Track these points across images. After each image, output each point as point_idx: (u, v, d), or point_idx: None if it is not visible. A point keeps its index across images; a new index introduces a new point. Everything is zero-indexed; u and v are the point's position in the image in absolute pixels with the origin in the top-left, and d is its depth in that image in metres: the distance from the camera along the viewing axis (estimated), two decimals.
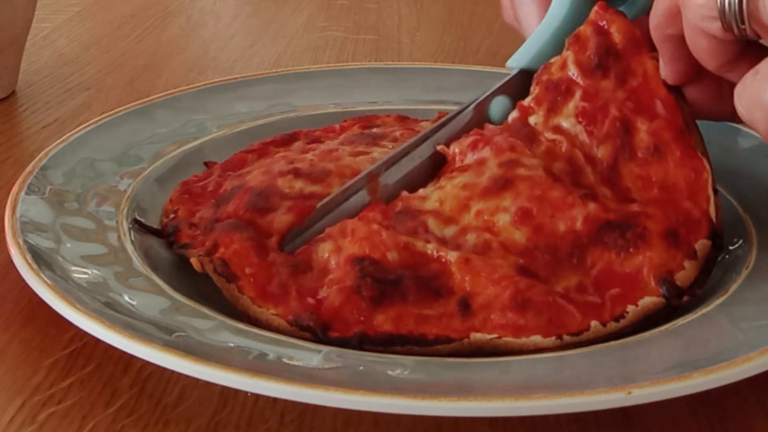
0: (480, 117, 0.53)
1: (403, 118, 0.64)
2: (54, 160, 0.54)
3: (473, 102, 0.54)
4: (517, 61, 0.55)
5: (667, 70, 0.49)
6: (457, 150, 0.51)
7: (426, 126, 0.62)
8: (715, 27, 0.42)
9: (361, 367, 0.40)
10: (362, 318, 0.42)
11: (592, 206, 0.46)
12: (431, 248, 0.45)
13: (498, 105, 0.54)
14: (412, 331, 0.42)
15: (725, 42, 0.43)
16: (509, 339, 0.42)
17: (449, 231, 0.47)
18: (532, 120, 0.51)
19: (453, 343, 0.42)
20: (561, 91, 0.51)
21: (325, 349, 0.41)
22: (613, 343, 0.42)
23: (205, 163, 0.59)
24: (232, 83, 0.68)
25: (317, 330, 0.42)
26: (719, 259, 0.48)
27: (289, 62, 0.86)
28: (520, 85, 0.53)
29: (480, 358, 0.41)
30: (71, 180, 0.53)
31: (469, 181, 0.49)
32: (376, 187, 0.50)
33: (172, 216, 0.52)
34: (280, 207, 0.49)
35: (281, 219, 0.49)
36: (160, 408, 0.40)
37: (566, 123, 0.50)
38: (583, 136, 0.50)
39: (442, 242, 0.46)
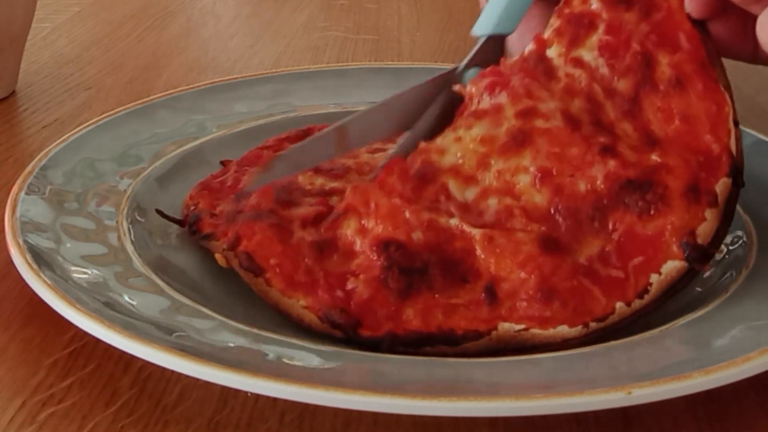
0: (455, 93, 0.52)
1: None
2: (54, 160, 0.54)
3: (445, 79, 0.52)
4: (482, 29, 0.53)
5: (692, 3, 0.48)
6: (474, 90, 0.51)
7: None
8: None
9: (361, 367, 0.40)
10: (391, 312, 0.42)
11: (611, 163, 0.46)
12: (455, 223, 0.45)
13: (472, 77, 0.52)
14: (441, 326, 0.42)
15: None
16: (536, 331, 0.42)
17: (470, 194, 0.47)
18: (550, 53, 0.51)
19: (482, 339, 0.42)
20: (584, 24, 0.50)
21: (325, 349, 0.41)
22: (613, 342, 0.42)
23: (222, 162, 0.59)
24: (232, 83, 0.68)
25: (348, 329, 0.42)
26: (719, 259, 0.48)
27: (289, 62, 0.86)
28: (489, 53, 0.53)
29: (480, 359, 0.41)
30: (71, 180, 0.53)
31: (487, 133, 0.48)
32: (344, 141, 0.50)
33: (192, 208, 0.52)
34: (303, 203, 0.50)
35: (306, 209, 0.49)
36: (160, 408, 0.40)
37: (588, 56, 0.50)
38: (604, 69, 0.49)
39: (465, 209, 0.46)
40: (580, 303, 0.42)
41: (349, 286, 0.44)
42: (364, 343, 0.42)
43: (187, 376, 0.39)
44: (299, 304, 0.43)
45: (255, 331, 0.42)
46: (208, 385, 0.39)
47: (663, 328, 0.43)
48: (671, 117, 0.47)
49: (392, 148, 0.53)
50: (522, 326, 0.42)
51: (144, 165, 0.57)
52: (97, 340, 0.40)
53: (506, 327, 0.42)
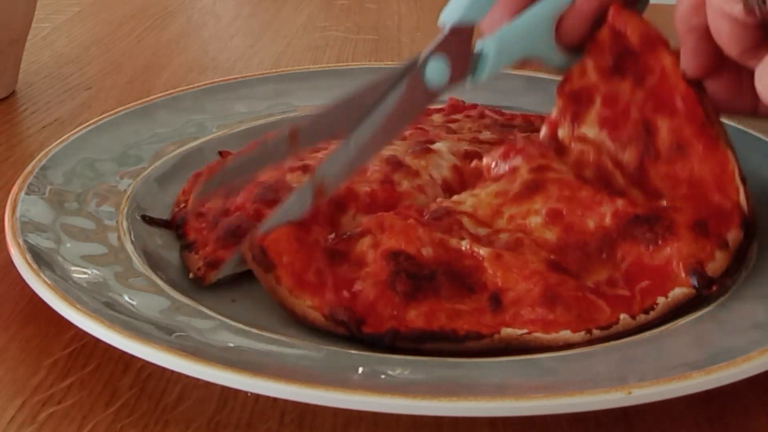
0: (417, 85, 0.49)
1: None
2: (54, 160, 0.54)
3: (406, 69, 0.49)
4: (449, 17, 0.50)
5: (688, 62, 0.48)
6: (489, 160, 0.52)
7: (437, 118, 0.63)
8: (738, 9, 0.43)
9: (362, 367, 0.40)
10: (395, 313, 0.43)
11: (620, 202, 0.46)
12: (465, 244, 0.45)
13: (435, 68, 0.49)
14: (444, 327, 0.42)
15: (747, 26, 0.44)
16: (539, 334, 0.42)
17: (483, 231, 0.47)
18: (560, 133, 0.52)
19: (484, 339, 0.42)
20: (582, 100, 0.51)
21: (326, 349, 0.41)
22: (613, 342, 0.42)
23: (220, 153, 0.59)
24: (232, 83, 0.68)
25: (351, 326, 0.42)
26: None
27: (289, 62, 0.86)
28: (455, 43, 0.49)
29: (480, 359, 0.41)
30: (71, 180, 0.53)
31: (502, 189, 0.49)
32: (296, 142, 0.48)
33: (182, 205, 0.53)
34: None
35: None
36: (160, 408, 0.40)
37: (591, 132, 0.51)
38: (609, 143, 0.51)
39: (476, 239, 0.47)
40: (585, 310, 0.42)
41: (356, 287, 0.44)
42: (366, 341, 0.42)
43: (187, 376, 0.39)
44: (305, 304, 0.44)
45: (255, 331, 0.42)
46: (208, 385, 0.39)
47: (663, 328, 0.43)
48: (678, 183, 0.48)
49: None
50: (525, 330, 0.42)
51: (144, 165, 0.57)
52: (97, 340, 0.40)
53: (509, 332, 0.42)
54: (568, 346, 0.42)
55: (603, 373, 0.40)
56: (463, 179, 0.54)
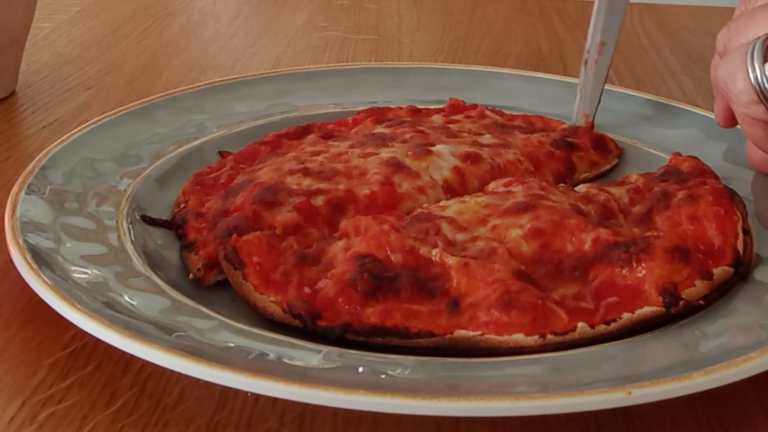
0: None
1: (415, 111, 0.64)
2: (54, 160, 0.54)
3: None
4: None
5: (719, 117, 0.53)
6: (493, 185, 0.53)
7: (437, 119, 0.63)
8: (761, 111, 0.42)
9: (361, 367, 0.40)
10: (353, 309, 0.43)
11: (603, 231, 0.47)
12: (435, 253, 0.45)
13: None
14: (397, 325, 0.42)
15: None
16: (490, 336, 0.42)
17: (461, 236, 0.48)
18: (578, 188, 0.54)
19: (434, 337, 0.42)
20: (617, 182, 0.55)
21: (325, 349, 0.41)
22: (613, 343, 0.42)
23: (220, 153, 0.59)
24: (232, 83, 0.68)
25: (306, 318, 0.42)
26: None
27: (289, 62, 0.86)
28: None
29: (480, 358, 0.41)
30: (71, 180, 0.53)
31: (492, 202, 0.50)
32: None
33: (182, 206, 0.53)
34: (286, 203, 0.50)
35: (285, 216, 0.49)
36: (160, 408, 0.40)
37: (615, 191, 0.53)
38: (625, 199, 0.52)
39: (450, 244, 0.47)
40: (541, 316, 0.42)
41: (319, 285, 0.44)
42: (319, 332, 0.42)
43: (187, 376, 0.39)
44: (268, 300, 0.44)
45: (255, 331, 0.42)
46: (208, 385, 0.39)
47: (663, 328, 0.43)
48: (679, 222, 0.49)
49: (383, 152, 0.54)
50: (478, 332, 0.42)
51: (144, 165, 0.57)
52: (97, 340, 0.40)
53: (462, 333, 0.42)
54: (519, 349, 0.41)
55: (603, 373, 0.40)
56: (464, 180, 0.54)
